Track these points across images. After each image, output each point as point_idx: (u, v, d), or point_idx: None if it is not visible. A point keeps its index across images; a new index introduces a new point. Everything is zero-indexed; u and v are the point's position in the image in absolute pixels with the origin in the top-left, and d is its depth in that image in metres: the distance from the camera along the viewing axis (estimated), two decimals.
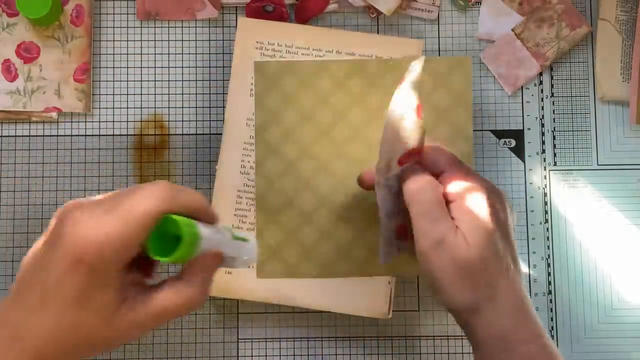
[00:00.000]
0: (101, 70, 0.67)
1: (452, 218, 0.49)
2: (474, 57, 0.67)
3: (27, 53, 0.65)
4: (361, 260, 0.60)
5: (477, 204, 0.49)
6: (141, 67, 0.67)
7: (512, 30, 0.67)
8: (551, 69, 0.67)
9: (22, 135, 0.66)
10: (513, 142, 0.67)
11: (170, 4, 0.67)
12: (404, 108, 0.49)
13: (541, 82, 0.67)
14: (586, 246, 0.66)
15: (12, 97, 0.65)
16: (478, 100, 0.67)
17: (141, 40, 0.67)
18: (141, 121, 0.66)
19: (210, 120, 0.66)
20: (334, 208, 0.59)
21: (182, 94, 0.67)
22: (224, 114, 0.65)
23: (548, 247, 0.66)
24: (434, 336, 0.65)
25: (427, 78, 0.60)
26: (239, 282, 0.62)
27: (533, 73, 0.67)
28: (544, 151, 0.67)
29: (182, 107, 0.67)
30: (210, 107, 0.67)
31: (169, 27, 0.67)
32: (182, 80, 0.67)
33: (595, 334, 0.65)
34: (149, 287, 0.45)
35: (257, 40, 0.65)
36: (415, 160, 0.51)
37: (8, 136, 0.66)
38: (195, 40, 0.67)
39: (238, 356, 0.65)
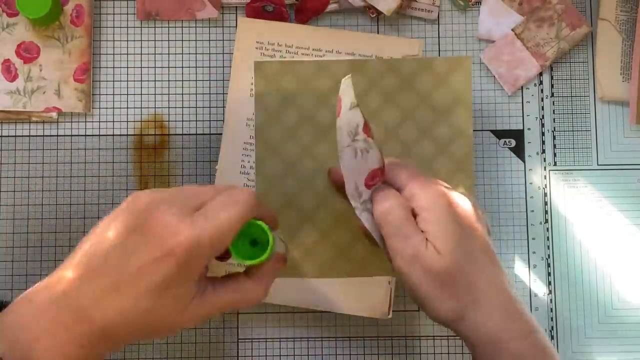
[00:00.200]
0: (101, 70, 0.67)
1: (422, 231, 0.50)
2: (474, 57, 0.67)
3: (27, 53, 0.65)
4: (361, 260, 0.60)
5: (441, 212, 0.49)
6: (141, 67, 0.67)
7: (512, 30, 0.67)
8: (551, 69, 0.67)
9: (22, 135, 0.66)
10: (513, 142, 0.67)
11: (170, 4, 0.67)
12: (353, 131, 0.49)
13: (541, 82, 0.67)
14: (586, 246, 0.66)
15: (12, 97, 0.65)
16: (478, 100, 0.67)
17: (141, 40, 0.67)
18: (141, 121, 0.66)
19: (210, 120, 0.66)
20: (334, 208, 0.59)
21: (182, 94, 0.67)
22: (224, 114, 0.66)
23: (548, 247, 0.66)
24: (434, 336, 0.65)
25: (427, 78, 0.60)
26: None
27: (533, 73, 0.67)
28: (544, 151, 0.67)
29: (182, 107, 0.67)
30: (210, 107, 0.67)
31: (169, 27, 0.67)
32: (182, 80, 0.67)
33: (595, 334, 0.65)
34: (218, 280, 0.48)
35: (257, 40, 0.65)
36: (381, 179, 0.51)
37: (8, 136, 0.66)
38: (195, 40, 0.67)
39: (238, 356, 0.65)
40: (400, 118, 0.60)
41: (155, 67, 0.67)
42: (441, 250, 0.49)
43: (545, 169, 0.66)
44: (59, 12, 0.65)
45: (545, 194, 0.66)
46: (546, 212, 0.66)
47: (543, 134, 0.67)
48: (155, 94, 0.67)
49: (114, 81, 0.67)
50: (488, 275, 0.50)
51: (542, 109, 0.67)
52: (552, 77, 0.67)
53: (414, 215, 0.50)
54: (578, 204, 0.66)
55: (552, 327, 0.65)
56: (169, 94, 0.67)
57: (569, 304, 0.65)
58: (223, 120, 0.65)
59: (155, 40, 0.67)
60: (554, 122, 0.67)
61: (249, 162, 0.64)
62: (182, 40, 0.67)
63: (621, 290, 0.66)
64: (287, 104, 0.59)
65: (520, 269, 0.66)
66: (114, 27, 0.67)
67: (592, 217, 0.66)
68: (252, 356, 0.65)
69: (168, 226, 0.44)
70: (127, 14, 0.67)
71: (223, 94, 0.67)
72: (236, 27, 0.66)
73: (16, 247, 0.65)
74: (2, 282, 0.65)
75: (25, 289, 0.46)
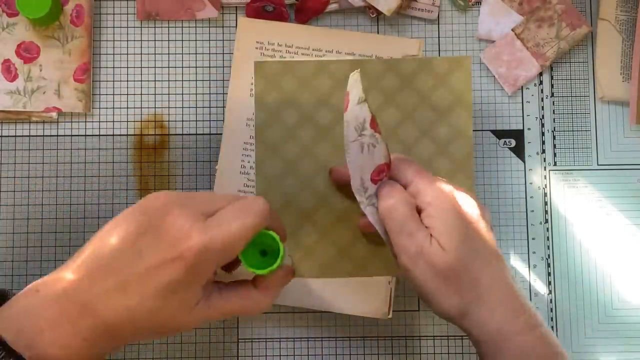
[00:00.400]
0: (101, 70, 0.67)
1: (426, 227, 0.50)
2: (474, 57, 0.67)
3: (27, 53, 0.65)
4: (361, 260, 0.60)
5: (446, 208, 0.50)
6: (141, 67, 0.67)
7: (512, 30, 0.67)
8: (551, 69, 0.67)
9: (22, 135, 0.66)
10: (513, 142, 0.67)
11: (170, 4, 0.67)
12: (360, 126, 0.49)
13: (541, 82, 0.67)
14: (586, 246, 0.66)
15: (12, 97, 0.65)
16: (478, 100, 0.67)
17: (141, 40, 0.67)
18: (141, 121, 0.66)
19: (210, 120, 0.66)
20: (334, 208, 0.59)
21: (182, 94, 0.67)
22: (224, 114, 0.66)
23: (548, 247, 0.66)
24: (434, 336, 0.65)
25: (427, 78, 0.60)
26: None
27: (533, 73, 0.67)
28: (544, 151, 0.67)
29: (182, 107, 0.67)
30: (210, 107, 0.67)
31: (169, 27, 0.67)
32: (182, 80, 0.67)
33: (595, 334, 0.65)
34: (225, 286, 0.49)
35: (257, 40, 0.65)
36: (387, 175, 0.52)
37: (8, 136, 0.66)
38: (195, 40, 0.67)
39: (238, 356, 0.65)
40: (400, 118, 0.60)
41: (155, 67, 0.67)
42: (445, 247, 0.49)
43: (545, 169, 0.66)
44: (59, 12, 0.65)
45: (545, 194, 0.66)
46: (546, 212, 0.66)
47: (543, 134, 0.67)
48: (155, 94, 0.67)
49: (114, 81, 0.67)
50: (492, 271, 0.50)
51: (542, 109, 0.67)
52: (552, 77, 0.67)
53: (419, 211, 0.51)
54: (578, 204, 0.66)
55: (552, 327, 0.65)
56: (169, 94, 0.67)
57: (569, 304, 0.65)
58: (223, 120, 0.65)
59: (155, 40, 0.67)
60: (554, 122, 0.67)
61: (249, 162, 0.64)
62: (182, 40, 0.67)
63: (621, 290, 0.66)
64: (287, 104, 0.59)
65: (520, 269, 0.66)
66: (114, 27, 0.67)
67: (592, 217, 0.66)
68: (252, 356, 0.65)
69: (180, 230, 0.44)
70: (127, 14, 0.67)
71: (223, 94, 0.67)
72: (236, 27, 0.66)
73: (16, 247, 0.65)
74: (2, 282, 0.65)
75: None
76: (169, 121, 0.66)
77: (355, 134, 0.50)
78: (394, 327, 0.65)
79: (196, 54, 0.67)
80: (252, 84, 0.64)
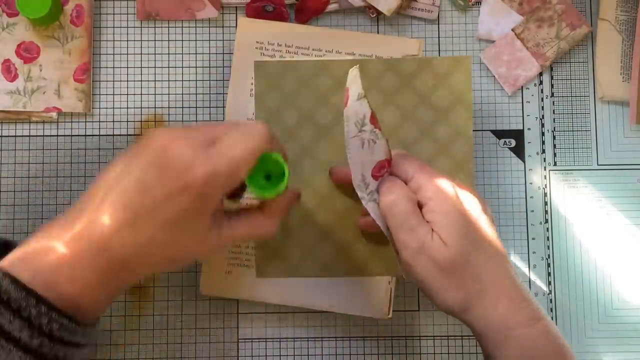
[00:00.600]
0: (101, 70, 0.67)
1: (428, 222, 0.50)
2: (474, 57, 0.67)
3: (27, 53, 0.65)
4: (361, 260, 0.60)
5: (447, 202, 0.50)
6: (141, 67, 0.67)
7: (512, 30, 0.67)
8: (551, 69, 0.67)
9: (22, 135, 0.66)
10: (513, 142, 0.67)
11: (170, 4, 0.67)
12: (360, 122, 0.49)
13: (541, 82, 0.67)
14: (586, 246, 0.66)
15: (12, 97, 0.65)
16: (478, 100, 0.67)
17: (141, 40, 0.67)
18: (141, 121, 0.66)
19: (210, 120, 0.66)
20: (334, 208, 0.59)
21: (182, 94, 0.67)
22: (224, 114, 0.66)
23: (548, 247, 0.66)
24: (434, 336, 0.65)
25: (427, 78, 0.60)
26: (239, 282, 0.62)
27: (533, 73, 0.67)
28: (544, 151, 0.67)
29: (182, 107, 0.67)
30: (210, 107, 0.67)
31: (169, 27, 0.67)
32: (182, 80, 0.67)
33: (595, 334, 0.65)
34: (233, 214, 0.50)
35: (257, 40, 0.65)
36: (388, 171, 0.52)
37: (8, 136, 0.66)
38: (195, 40, 0.67)
39: (238, 356, 0.65)
40: (400, 118, 0.60)
41: (155, 67, 0.67)
42: (447, 241, 0.49)
43: (545, 169, 0.66)
44: (59, 12, 0.65)
45: (545, 194, 0.66)
46: (546, 212, 0.66)
47: (543, 134, 0.67)
48: (155, 94, 0.67)
49: (114, 81, 0.67)
50: (494, 265, 0.50)
51: (542, 109, 0.67)
52: (552, 77, 0.67)
53: (420, 206, 0.51)
54: (578, 204, 0.66)
55: None
56: (169, 94, 0.67)
57: (569, 304, 0.65)
58: (223, 120, 0.65)
59: (155, 40, 0.67)
60: (554, 122, 0.67)
61: None
62: (182, 40, 0.67)
63: (621, 290, 0.66)
64: (287, 104, 0.59)
65: (520, 269, 0.66)
66: (114, 27, 0.67)
67: (592, 217, 0.66)
68: (252, 356, 0.65)
69: (183, 161, 0.45)
70: (127, 14, 0.67)
71: (223, 94, 0.67)
72: (236, 27, 0.66)
73: None
74: None
75: None
76: (169, 121, 0.66)
77: (355, 130, 0.50)
78: (394, 327, 0.65)
79: (196, 54, 0.67)
80: (252, 84, 0.64)
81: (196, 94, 0.67)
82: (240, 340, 0.65)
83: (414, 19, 0.67)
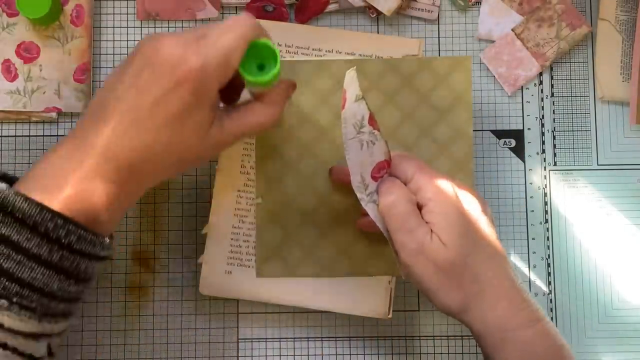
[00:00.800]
0: (101, 70, 0.67)
1: (427, 222, 0.50)
2: (474, 57, 0.67)
3: (27, 53, 0.65)
4: (361, 260, 0.60)
5: (446, 203, 0.50)
6: None
7: (512, 30, 0.67)
8: (551, 69, 0.67)
9: (22, 135, 0.66)
10: (513, 142, 0.67)
11: (170, 4, 0.67)
12: (358, 123, 0.49)
13: (541, 82, 0.67)
14: (586, 246, 0.66)
15: (12, 97, 0.65)
16: (478, 100, 0.67)
17: None
18: None
19: None
20: (334, 208, 0.60)
21: None
22: None
23: (548, 247, 0.66)
24: (434, 336, 0.65)
25: (427, 78, 0.60)
26: (239, 282, 0.62)
27: (533, 73, 0.67)
28: (544, 151, 0.67)
29: None
30: None
31: (169, 27, 0.67)
32: None
33: (595, 334, 0.65)
34: (232, 109, 0.51)
35: None
36: (387, 172, 0.52)
37: (8, 136, 0.66)
38: None
39: (238, 356, 0.65)
40: (400, 118, 0.60)
41: None
42: (446, 242, 0.49)
43: (545, 169, 0.67)
44: (59, 12, 0.65)
45: (545, 194, 0.66)
46: (546, 212, 0.66)
47: (543, 134, 0.67)
48: None
49: None
50: (493, 266, 0.50)
51: (542, 109, 0.67)
52: (552, 77, 0.67)
53: (420, 207, 0.51)
54: (578, 204, 0.66)
55: None
56: None
57: (569, 304, 0.66)
58: None
59: None
60: (554, 122, 0.67)
61: (249, 162, 0.64)
62: None
63: (621, 290, 0.66)
64: (287, 104, 0.59)
65: (520, 269, 0.66)
66: (114, 27, 0.67)
67: (592, 217, 0.66)
68: (252, 356, 0.65)
69: (175, 56, 0.45)
70: (127, 14, 0.67)
71: None
72: None
73: None
74: None
75: None
76: None
77: (353, 132, 0.50)
78: (394, 327, 0.65)
79: None
80: None
81: None
82: (240, 340, 0.65)
83: (414, 19, 0.67)
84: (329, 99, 0.60)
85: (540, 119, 0.67)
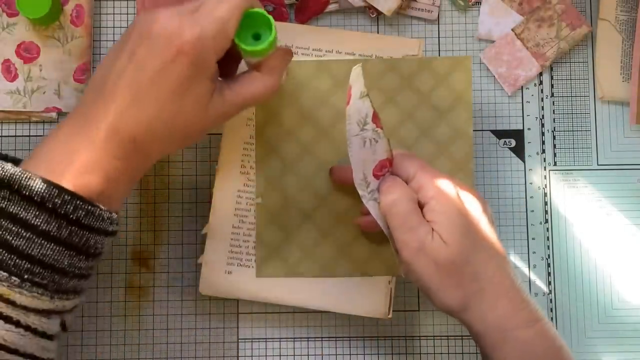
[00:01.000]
0: None
1: (428, 221, 0.50)
2: (474, 57, 0.67)
3: (27, 53, 0.65)
4: (361, 260, 0.60)
5: (448, 202, 0.50)
6: None
7: (512, 30, 0.67)
8: (551, 69, 0.67)
9: (22, 135, 0.66)
10: (513, 142, 0.67)
11: (170, 4, 0.66)
12: (362, 120, 0.50)
13: (541, 82, 0.67)
14: (586, 246, 0.66)
15: (12, 97, 0.65)
16: (478, 100, 0.67)
17: None
18: None
19: None
20: (334, 208, 0.60)
21: None
22: None
23: (548, 247, 0.66)
24: (434, 336, 0.65)
25: (427, 78, 0.60)
26: (239, 282, 0.62)
27: (533, 73, 0.67)
28: (544, 151, 0.67)
29: None
30: None
31: None
32: None
33: (595, 334, 0.65)
34: (232, 80, 0.51)
35: None
36: (389, 170, 0.52)
37: (8, 136, 0.66)
38: None
39: (238, 356, 0.65)
40: (401, 118, 0.60)
41: None
42: (447, 241, 0.49)
43: (545, 169, 0.67)
44: (59, 12, 0.65)
45: (545, 194, 0.66)
46: (546, 212, 0.66)
47: (543, 134, 0.67)
48: None
49: None
50: (493, 265, 0.50)
51: (542, 109, 0.67)
52: (552, 77, 0.67)
53: (421, 205, 0.51)
54: (578, 204, 0.66)
55: None
56: None
57: (569, 304, 0.65)
58: None
59: None
60: (554, 122, 0.67)
61: (249, 162, 0.64)
62: None
63: (621, 290, 0.66)
64: (287, 103, 0.59)
65: (520, 269, 0.66)
66: (114, 27, 0.67)
67: (592, 217, 0.66)
68: (252, 356, 0.65)
69: (170, 29, 0.46)
70: (127, 14, 0.67)
71: None
72: None
73: None
74: None
75: None
76: None
77: (357, 129, 0.50)
78: (394, 327, 0.65)
79: None
80: None
81: None
82: (240, 340, 0.65)
83: (414, 19, 0.67)
84: (329, 99, 0.60)
85: (540, 119, 0.67)
